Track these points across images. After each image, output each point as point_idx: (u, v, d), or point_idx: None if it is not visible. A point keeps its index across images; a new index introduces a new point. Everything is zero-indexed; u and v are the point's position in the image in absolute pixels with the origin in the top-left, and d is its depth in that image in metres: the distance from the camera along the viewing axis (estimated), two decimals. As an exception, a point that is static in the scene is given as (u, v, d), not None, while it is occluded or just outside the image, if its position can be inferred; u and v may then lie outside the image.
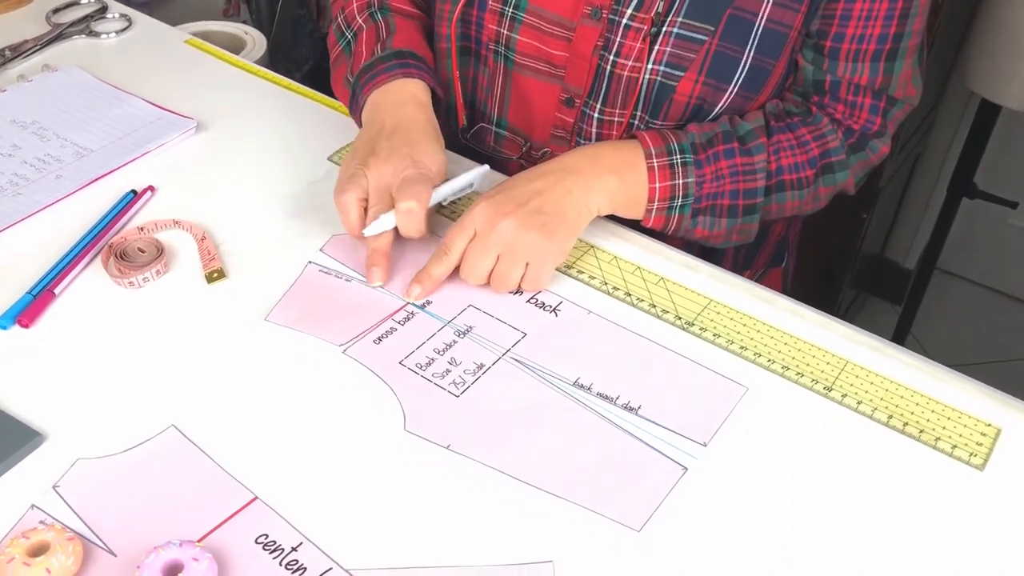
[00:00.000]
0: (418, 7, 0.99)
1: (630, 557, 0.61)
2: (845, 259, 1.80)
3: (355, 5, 0.97)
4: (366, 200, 0.82)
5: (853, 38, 0.85)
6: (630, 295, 0.80)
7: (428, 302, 0.79)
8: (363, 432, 0.68)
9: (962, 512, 0.64)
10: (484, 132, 0.99)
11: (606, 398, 0.71)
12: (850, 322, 0.78)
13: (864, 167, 0.92)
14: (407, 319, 0.77)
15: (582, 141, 0.92)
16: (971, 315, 2.22)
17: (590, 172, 0.82)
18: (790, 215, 0.91)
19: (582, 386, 0.72)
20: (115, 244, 0.82)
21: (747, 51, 0.84)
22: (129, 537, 0.60)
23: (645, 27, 0.84)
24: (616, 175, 0.82)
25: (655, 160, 0.83)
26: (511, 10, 0.90)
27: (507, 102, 0.96)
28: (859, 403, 0.71)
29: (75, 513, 0.62)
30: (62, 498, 0.62)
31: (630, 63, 0.86)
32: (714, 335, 0.77)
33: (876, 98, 0.88)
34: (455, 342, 0.75)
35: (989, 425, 0.70)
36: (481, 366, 0.73)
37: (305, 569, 0.59)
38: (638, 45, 0.85)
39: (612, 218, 0.86)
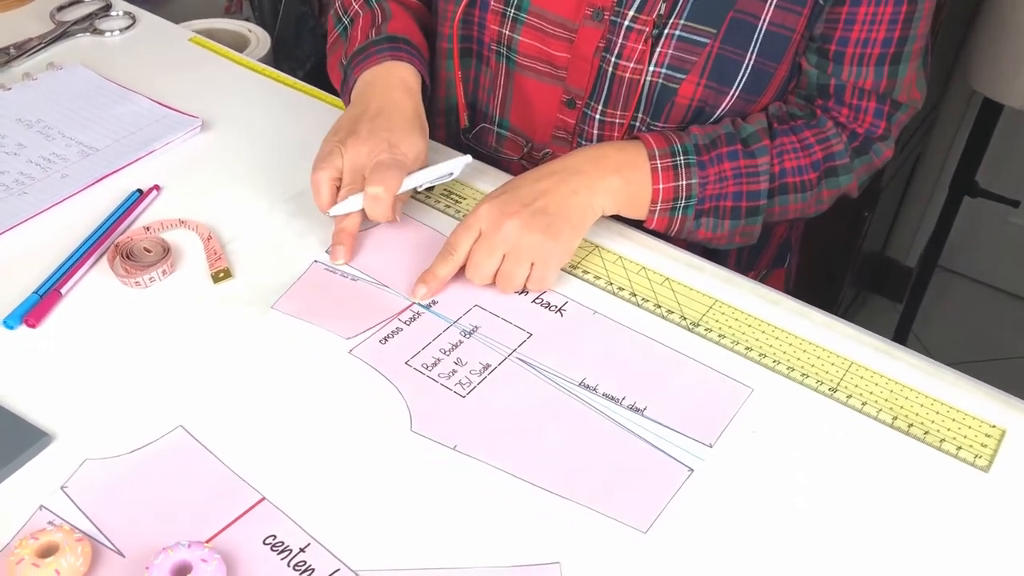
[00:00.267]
0: None
1: (637, 559, 0.61)
2: (846, 257, 1.80)
3: None
4: (340, 179, 0.83)
5: (857, 42, 0.85)
6: (635, 295, 0.80)
7: (434, 302, 0.79)
8: (369, 433, 0.68)
9: (967, 514, 0.65)
10: (485, 133, 1.00)
11: (612, 399, 0.71)
12: (851, 321, 0.79)
13: (867, 170, 0.92)
14: (413, 319, 0.77)
15: (583, 142, 0.92)
16: (972, 313, 2.22)
17: (594, 172, 0.82)
18: (793, 218, 0.92)
19: (588, 387, 0.72)
20: (121, 244, 0.82)
21: (749, 54, 0.84)
22: (138, 538, 0.60)
23: (647, 29, 0.84)
24: (619, 175, 0.82)
25: (658, 161, 0.83)
26: (513, 11, 0.90)
27: (508, 103, 0.96)
28: (864, 404, 0.71)
29: (83, 514, 0.62)
30: (70, 499, 0.63)
31: (632, 65, 0.86)
32: (719, 336, 0.77)
33: (880, 102, 0.88)
34: (461, 342, 0.75)
35: (994, 427, 0.70)
36: (487, 366, 0.73)
37: (313, 570, 0.59)
38: (640, 47, 0.85)
39: (617, 218, 0.86)
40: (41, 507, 0.62)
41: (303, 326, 0.76)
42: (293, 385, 0.72)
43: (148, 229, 0.85)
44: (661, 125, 0.88)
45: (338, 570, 0.59)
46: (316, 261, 0.83)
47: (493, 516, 0.63)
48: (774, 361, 0.75)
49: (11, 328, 0.75)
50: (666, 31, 0.84)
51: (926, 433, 0.70)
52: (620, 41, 0.85)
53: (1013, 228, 2.12)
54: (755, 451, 0.68)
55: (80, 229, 0.85)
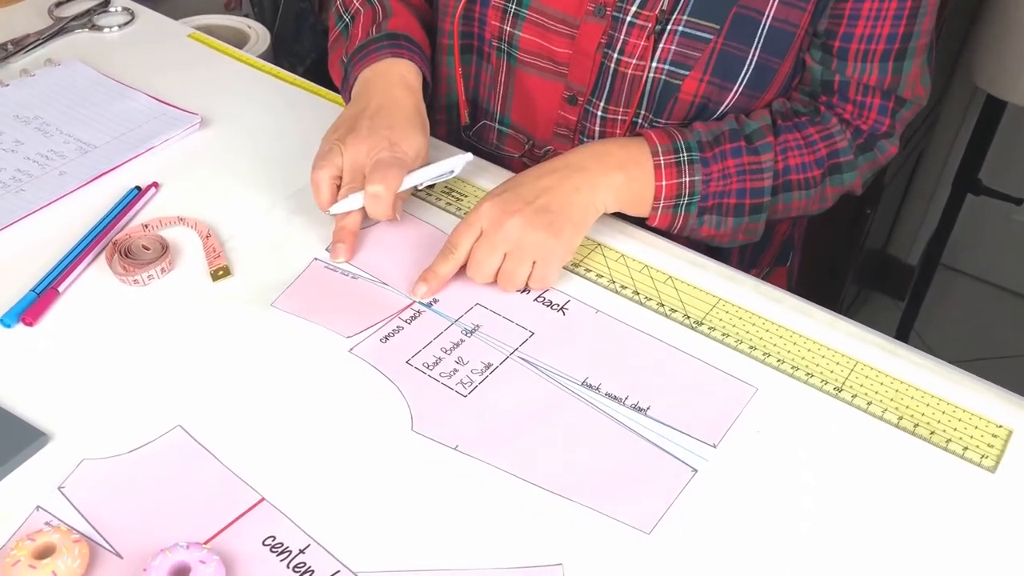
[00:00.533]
0: None
1: (640, 560, 0.60)
2: (849, 255, 1.79)
3: None
4: (340, 177, 0.82)
5: (862, 38, 0.84)
6: (638, 294, 0.80)
7: (435, 300, 0.78)
8: (370, 433, 0.68)
9: (974, 515, 0.64)
10: (487, 130, 0.99)
11: (615, 398, 0.71)
12: (853, 318, 0.78)
13: (872, 168, 0.92)
14: (414, 318, 0.77)
15: (585, 139, 0.92)
16: (974, 311, 2.21)
17: (596, 169, 0.81)
18: (796, 215, 0.91)
19: (590, 386, 0.71)
20: (119, 241, 0.82)
21: (753, 50, 0.84)
22: (135, 539, 0.60)
23: (649, 25, 0.83)
24: (622, 172, 0.82)
25: (661, 158, 0.83)
26: (514, 7, 0.89)
27: (510, 100, 0.95)
28: (869, 404, 0.71)
29: (81, 514, 0.61)
30: (68, 499, 0.62)
31: (634, 61, 0.85)
32: (723, 335, 0.76)
33: (885, 98, 0.88)
34: (462, 341, 0.75)
35: (1000, 427, 0.70)
36: (488, 365, 0.73)
37: (313, 571, 0.59)
38: (642, 43, 0.84)
39: (619, 216, 0.86)
40: (38, 508, 0.61)
41: (303, 325, 0.76)
42: (293, 384, 0.71)
43: (146, 227, 0.84)
44: (664, 122, 0.87)
45: (338, 571, 0.59)
46: (316, 259, 0.82)
47: (495, 517, 0.63)
48: (778, 360, 0.74)
49: (8, 327, 0.74)
50: (669, 27, 0.83)
51: (932, 433, 0.69)
52: (622, 37, 0.85)
53: (1016, 226, 2.11)
54: (759, 451, 0.68)
55: (78, 227, 0.84)
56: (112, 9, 1.18)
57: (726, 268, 0.83)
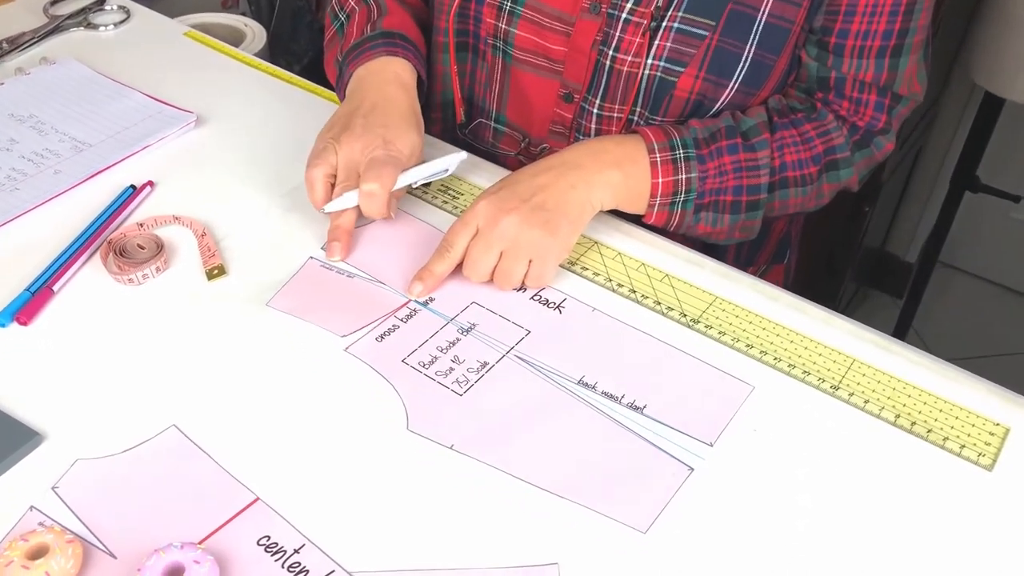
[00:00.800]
0: None
1: (636, 559, 0.60)
2: (846, 253, 1.79)
3: None
4: (335, 176, 0.82)
5: (858, 34, 0.84)
6: (635, 292, 0.80)
7: (431, 299, 0.78)
8: (365, 432, 0.67)
9: (971, 513, 0.64)
10: (482, 128, 0.99)
11: (611, 397, 0.70)
12: (851, 316, 0.78)
13: (868, 164, 0.91)
14: (409, 316, 0.76)
15: (581, 137, 0.91)
16: (972, 309, 2.21)
17: (592, 167, 0.81)
18: (793, 212, 0.91)
19: (587, 385, 0.71)
20: (114, 240, 0.81)
21: (748, 46, 0.83)
22: (129, 539, 0.60)
23: (645, 22, 0.83)
24: (618, 169, 0.82)
25: (657, 155, 0.82)
26: (509, 4, 0.89)
27: (505, 97, 0.95)
28: (866, 402, 0.71)
29: (75, 515, 0.61)
30: (61, 499, 0.62)
31: (629, 58, 0.85)
32: (720, 333, 0.76)
33: (881, 95, 0.87)
34: (458, 340, 0.74)
35: (997, 424, 0.69)
36: (484, 364, 0.73)
37: (308, 571, 0.58)
38: (638, 40, 0.84)
39: (616, 213, 0.85)
40: (31, 508, 0.61)
41: (298, 323, 0.75)
42: (288, 383, 0.71)
43: (142, 225, 0.84)
44: (660, 119, 0.87)
45: (333, 571, 0.58)
46: (312, 258, 0.82)
47: (490, 516, 0.62)
48: (775, 359, 0.74)
49: (2, 326, 0.74)
50: (664, 24, 0.83)
51: (929, 431, 0.69)
52: (618, 34, 0.84)
53: (1014, 223, 2.11)
54: (756, 450, 0.67)
55: (73, 225, 0.84)
56: (108, 7, 1.18)
57: (723, 266, 0.83)
